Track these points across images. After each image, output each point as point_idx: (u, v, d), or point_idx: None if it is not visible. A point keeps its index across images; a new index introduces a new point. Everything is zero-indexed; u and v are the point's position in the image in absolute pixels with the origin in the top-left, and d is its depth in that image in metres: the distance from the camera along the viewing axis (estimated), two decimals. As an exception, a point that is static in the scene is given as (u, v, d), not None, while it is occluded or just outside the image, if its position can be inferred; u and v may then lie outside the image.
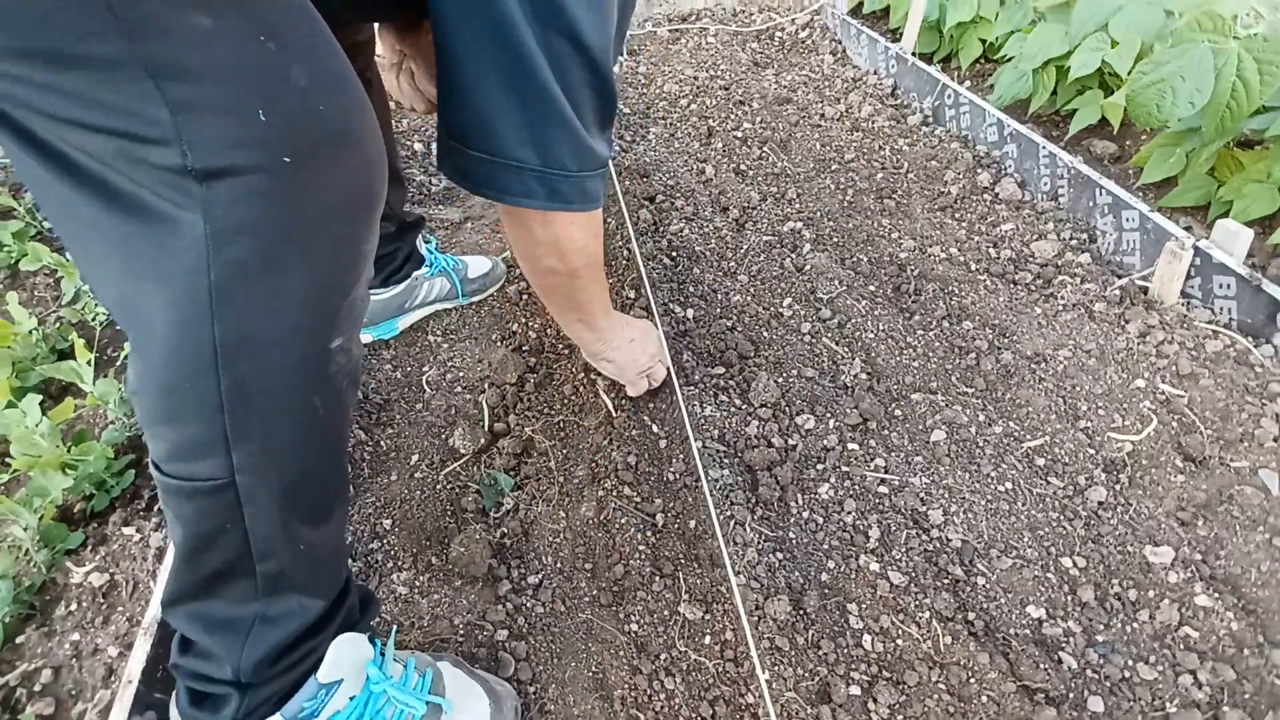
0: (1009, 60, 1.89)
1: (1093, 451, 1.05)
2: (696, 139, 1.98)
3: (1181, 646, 0.83)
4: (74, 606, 0.93)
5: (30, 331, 1.25)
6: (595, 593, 0.95)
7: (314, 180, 0.54)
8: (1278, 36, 1.40)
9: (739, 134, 1.98)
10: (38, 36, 0.43)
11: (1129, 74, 1.45)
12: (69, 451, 1.05)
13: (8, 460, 1.05)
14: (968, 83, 2.17)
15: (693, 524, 1.02)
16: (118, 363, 1.33)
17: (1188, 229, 1.45)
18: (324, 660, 0.70)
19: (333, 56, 0.56)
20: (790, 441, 1.12)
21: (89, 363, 1.14)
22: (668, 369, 1.20)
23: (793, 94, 2.15)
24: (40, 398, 1.08)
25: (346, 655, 0.72)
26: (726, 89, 2.22)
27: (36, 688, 0.86)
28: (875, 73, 2.16)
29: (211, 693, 0.67)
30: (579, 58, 0.71)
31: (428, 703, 0.77)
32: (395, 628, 0.89)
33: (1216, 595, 0.87)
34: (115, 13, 0.43)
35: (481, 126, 0.74)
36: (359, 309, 0.64)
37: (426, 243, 1.40)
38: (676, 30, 2.65)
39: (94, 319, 1.41)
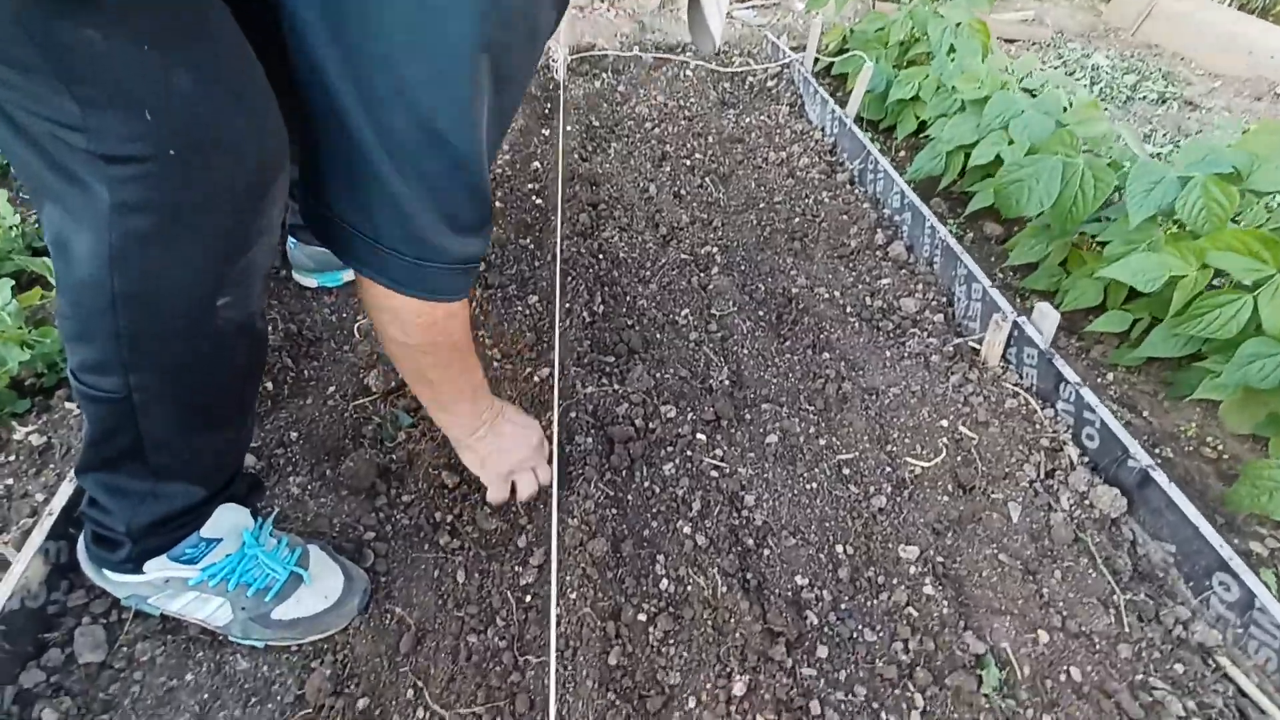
0: (931, 140, 2.14)
1: (889, 470, 1.27)
2: (650, 160, 2.20)
3: (903, 621, 1.05)
4: (12, 458, 1.10)
5: (11, 227, 1.41)
6: (451, 518, 1.14)
7: (196, 173, 0.63)
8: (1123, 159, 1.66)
9: (688, 162, 2.20)
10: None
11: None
12: (29, 333, 1.22)
13: (-25, 331, 1.21)
14: (903, 152, 2.43)
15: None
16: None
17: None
18: (208, 520, 0.88)
19: (231, 69, 0.64)
20: (651, 425, 1.32)
21: (60, 261, 1.30)
22: (546, 481, 1.12)
23: (746, 135, 2.38)
24: (12, 283, 1.25)
25: (227, 519, 0.91)
26: (689, 120, 2.44)
27: (-31, 518, 1.03)
28: (821, 129, 2.40)
29: (109, 537, 0.85)
30: (440, 155, 0.70)
31: (291, 572, 0.95)
32: (276, 509, 1.07)
33: (941, 588, 1.09)
34: (24, 28, 0.54)
35: (338, 197, 0.74)
36: (251, 274, 0.73)
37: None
38: (660, 59, 2.88)
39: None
